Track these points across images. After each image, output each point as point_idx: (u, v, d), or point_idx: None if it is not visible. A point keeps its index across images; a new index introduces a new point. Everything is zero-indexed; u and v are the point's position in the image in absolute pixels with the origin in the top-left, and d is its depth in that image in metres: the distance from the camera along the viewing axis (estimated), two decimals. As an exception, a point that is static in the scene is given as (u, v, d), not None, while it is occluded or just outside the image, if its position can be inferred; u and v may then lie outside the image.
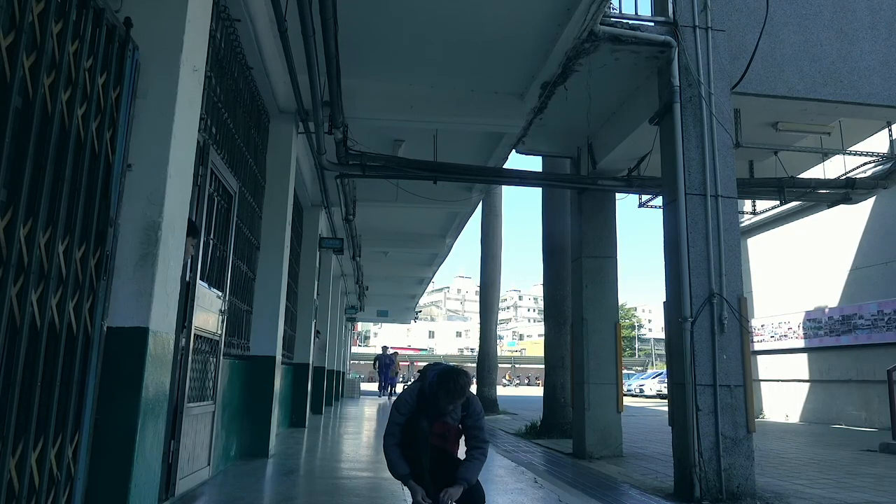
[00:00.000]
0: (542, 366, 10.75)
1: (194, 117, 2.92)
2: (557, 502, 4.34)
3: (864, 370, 12.54)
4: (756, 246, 16.06)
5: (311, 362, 10.11)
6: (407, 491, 3.86)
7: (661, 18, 5.47)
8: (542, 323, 10.82)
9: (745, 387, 4.93)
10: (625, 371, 32.16)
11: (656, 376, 33.34)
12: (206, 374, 4.64)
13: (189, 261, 3.85)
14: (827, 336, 13.59)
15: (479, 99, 6.89)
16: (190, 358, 4.05)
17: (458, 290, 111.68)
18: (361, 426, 10.84)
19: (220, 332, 4.87)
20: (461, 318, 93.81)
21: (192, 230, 3.49)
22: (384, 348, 24.46)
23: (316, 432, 9.09)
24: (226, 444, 5.36)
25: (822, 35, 6.08)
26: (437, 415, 3.52)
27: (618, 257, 7.42)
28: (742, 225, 13.84)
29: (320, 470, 5.70)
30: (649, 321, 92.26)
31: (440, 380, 3.43)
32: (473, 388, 3.70)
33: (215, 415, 4.89)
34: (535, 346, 69.18)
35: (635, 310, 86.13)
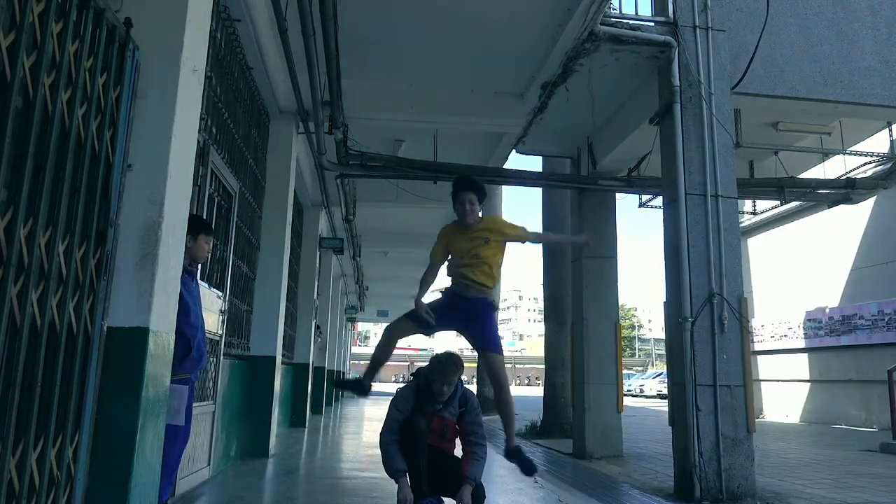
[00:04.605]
0: (543, 366, 10.75)
1: (194, 117, 2.92)
2: (557, 502, 4.34)
3: (865, 370, 12.53)
4: (756, 246, 16.05)
5: (311, 362, 10.11)
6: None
7: (662, 18, 5.47)
8: (543, 323, 10.82)
9: (746, 387, 4.93)
10: (625, 371, 32.05)
11: (656, 376, 33.34)
12: (206, 374, 4.64)
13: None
14: (827, 336, 13.58)
15: (480, 99, 6.89)
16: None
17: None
18: (361, 426, 10.84)
19: (220, 332, 4.87)
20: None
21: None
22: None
23: (316, 432, 9.09)
24: (226, 444, 5.36)
25: (822, 35, 6.08)
26: (434, 410, 3.52)
27: (618, 257, 7.42)
28: (742, 225, 13.81)
29: (320, 470, 5.71)
30: (649, 321, 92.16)
31: (431, 363, 3.56)
32: (473, 388, 3.71)
33: (215, 415, 4.90)
34: (535, 346, 69.13)
35: (635, 310, 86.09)
